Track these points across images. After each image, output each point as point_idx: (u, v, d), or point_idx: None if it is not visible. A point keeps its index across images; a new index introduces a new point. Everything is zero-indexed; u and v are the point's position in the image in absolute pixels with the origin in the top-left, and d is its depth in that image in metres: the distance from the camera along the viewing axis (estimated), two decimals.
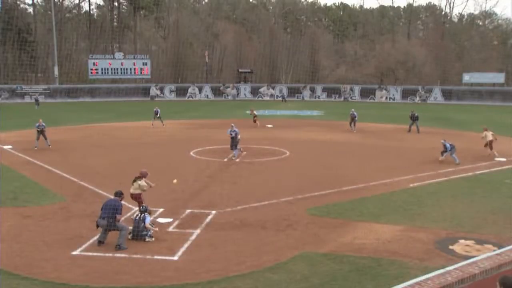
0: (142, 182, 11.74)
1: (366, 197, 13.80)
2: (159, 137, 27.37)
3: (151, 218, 11.21)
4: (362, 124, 34.68)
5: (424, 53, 76.27)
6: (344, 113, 31.45)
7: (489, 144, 21.20)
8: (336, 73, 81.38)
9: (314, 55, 77.93)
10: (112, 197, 10.54)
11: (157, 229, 10.85)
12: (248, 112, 33.43)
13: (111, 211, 10.02)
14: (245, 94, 69.91)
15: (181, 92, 67.91)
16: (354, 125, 30.83)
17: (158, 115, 32.96)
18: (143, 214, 10.59)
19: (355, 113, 31.41)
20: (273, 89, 70.07)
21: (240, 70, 76.03)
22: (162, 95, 67.80)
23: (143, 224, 10.46)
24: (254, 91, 69.22)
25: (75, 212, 12.21)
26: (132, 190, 11.73)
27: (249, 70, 75.83)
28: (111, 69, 67.40)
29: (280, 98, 63.67)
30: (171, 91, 68.59)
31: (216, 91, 68.93)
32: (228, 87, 70.56)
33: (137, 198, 11.68)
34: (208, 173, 16.97)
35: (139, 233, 10.39)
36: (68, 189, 14.69)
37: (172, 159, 20.08)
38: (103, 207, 10.21)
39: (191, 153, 21.61)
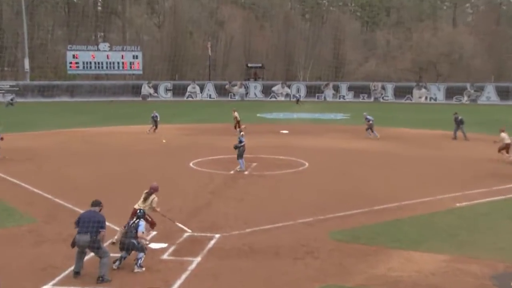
0: (156, 199, 11.92)
1: (401, 219, 13.64)
2: (153, 144, 27.47)
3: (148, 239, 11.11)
4: (396, 130, 34.57)
5: (473, 42, 74.50)
6: (375, 117, 31.57)
7: (506, 148, 21.39)
8: (364, 68, 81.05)
9: (338, 47, 77.52)
10: (91, 208, 10.33)
11: (148, 241, 10.78)
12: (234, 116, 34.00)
13: (95, 224, 9.76)
14: (255, 94, 69.73)
15: (179, 91, 68.00)
16: (372, 130, 31.02)
17: (156, 122, 33.37)
18: (137, 220, 10.45)
19: (369, 117, 31.62)
20: (289, 88, 69.69)
21: (249, 65, 76.08)
22: (156, 94, 67.55)
23: (134, 231, 10.28)
24: (266, 90, 69.30)
25: (48, 236, 11.99)
26: (140, 206, 11.60)
27: (260, 65, 75.84)
28: (95, 63, 67.30)
29: (294, 99, 63.52)
30: (167, 90, 68.56)
31: (221, 90, 69.02)
32: (235, 85, 70.35)
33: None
34: (211, 188, 16.96)
35: (127, 244, 10.18)
36: (40, 208, 14.49)
37: (167, 171, 20.06)
38: (81, 221, 9.95)
39: (191, 164, 21.69)
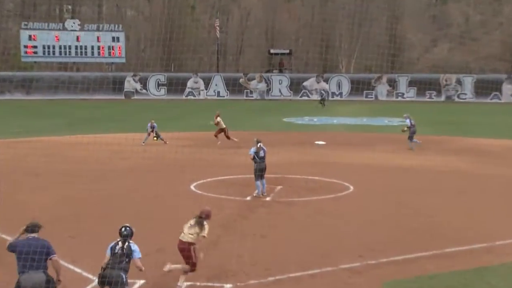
0: (207, 226, 12.55)
1: (488, 267, 13.42)
2: (141, 159, 27.62)
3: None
4: (476, 141, 34.64)
5: None
6: (446, 122, 31.20)
7: None
8: (432, 55, 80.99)
9: (394, 26, 77.26)
10: (29, 235, 10.17)
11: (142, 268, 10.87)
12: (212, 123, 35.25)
13: (43, 256, 9.65)
14: (280, 91, 70.35)
15: (176, 86, 67.51)
16: (411, 138, 32.55)
17: (155, 133, 34.50)
18: (127, 243, 10.51)
19: (411, 120, 32.87)
20: (327, 83, 70.15)
21: (272, 52, 76.59)
22: (144, 91, 68.33)
23: (126, 260, 10.33)
24: (295, 86, 69.70)
25: None
26: (186, 237, 12.13)
27: (287, 52, 76.05)
28: (60, 47, 67.37)
29: (319, 98, 63.88)
30: (159, 85, 69.32)
31: (234, 85, 68.93)
32: (253, 78, 70.87)
33: (186, 251, 12.06)
34: (220, 221, 16.88)
35: (113, 277, 10.04)
36: None
37: (160, 197, 20.22)
38: (22, 254, 9.73)
39: (192, 186, 21.94)
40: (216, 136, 33.59)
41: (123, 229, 10.64)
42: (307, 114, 51.79)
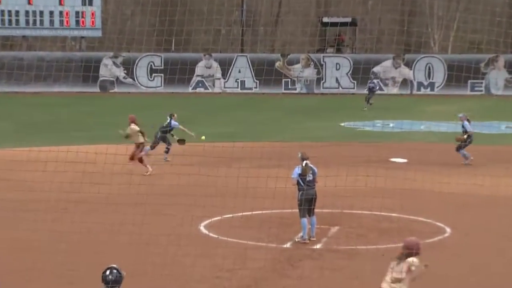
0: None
1: None
2: (125, 186, 27.66)
3: None
4: None
5: None
6: None
7: None
8: None
9: None
10: None
11: None
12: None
13: None
14: (337, 80, 72.52)
15: (179, 74, 66.23)
16: (461, 148, 35.30)
17: (166, 149, 37.31)
18: None
19: (468, 125, 35.37)
20: (410, 68, 72.47)
21: (325, 21, 77.60)
22: (130, 79, 71.13)
23: None
24: (361, 73, 68.52)
25: None
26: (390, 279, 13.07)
27: (349, 20, 77.46)
28: (1, 12, 71.08)
29: (366, 92, 65.79)
30: (152, 72, 71.80)
31: (267, 72, 69.27)
32: (297, 62, 73.12)
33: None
34: (246, 279, 17.23)
35: None
36: None
37: (154, 244, 20.23)
38: None
39: (202, 226, 22.87)
40: (131, 158, 33.76)
41: (107, 272, 10.92)
42: (379, 115, 52.98)
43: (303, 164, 21.33)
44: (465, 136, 34.31)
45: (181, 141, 37.05)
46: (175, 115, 37.47)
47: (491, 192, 27.35)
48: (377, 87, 65.95)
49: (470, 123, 34.38)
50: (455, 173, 31.53)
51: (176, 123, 37.26)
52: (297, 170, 21.34)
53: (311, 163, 21.43)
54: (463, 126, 34.40)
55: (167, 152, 37.04)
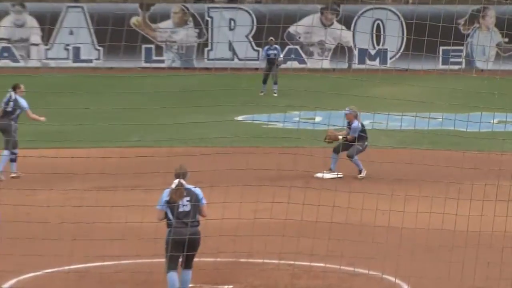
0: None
1: None
2: None
3: None
4: None
5: None
6: None
7: None
8: None
9: None
10: None
11: None
12: None
13: None
14: (231, 47, 78.06)
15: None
16: (353, 154, 40.40)
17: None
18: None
19: (356, 126, 40.54)
20: (349, 28, 76.47)
21: None
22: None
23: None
24: (268, 36, 70.09)
25: None
26: None
27: None
28: None
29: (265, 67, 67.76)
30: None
31: (113, 35, 71.61)
32: (168, 18, 79.54)
33: None
34: None
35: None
36: None
37: None
38: None
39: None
40: None
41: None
42: (295, 105, 53.12)
43: (174, 185, 22.33)
44: (341, 137, 38.99)
45: None
46: (22, 86, 38.91)
47: (472, 225, 27.97)
48: (281, 57, 68.75)
49: (360, 122, 38.61)
50: (414, 196, 31.89)
51: (24, 101, 39.19)
52: (166, 194, 22.33)
53: (190, 182, 22.69)
54: (349, 125, 38.72)
55: (13, 160, 38.15)
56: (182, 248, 22.73)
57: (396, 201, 31.69)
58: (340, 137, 40.90)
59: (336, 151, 41.44)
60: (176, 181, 22.62)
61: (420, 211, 29.27)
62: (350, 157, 40.84)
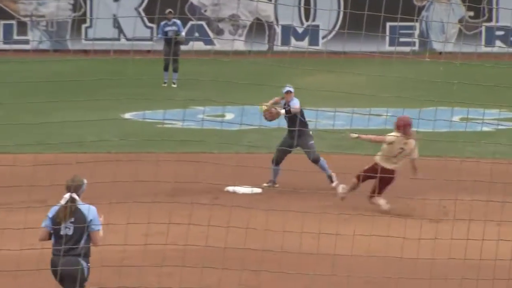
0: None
1: None
2: None
3: None
4: None
5: None
6: None
7: None
8: None
9: None
10: None
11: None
12: None
13: None
14: (116, 23, 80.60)
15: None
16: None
17: None
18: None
19: (296, 102, 42.30)
20: None
21: None
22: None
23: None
24: (161, 10, 72.78)
25: None
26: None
27: None
28: None
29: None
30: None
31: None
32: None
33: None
34: None
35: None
36: None
37: None
38: None
39: None
40: None
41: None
42: (198, 99, 55.40)
43: (64, 200, 22.70)
44: (283, 111, 41.13)
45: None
46: None
47: (423, 251, 29.13)
48: (182, 34, 72.06)
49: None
50: (351, 215, 34.84)
51: None
52: (53, 210, 22.53)
53: (83, 199, 23.12)
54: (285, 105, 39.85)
55: None
56: (62, 281, 23.44)
57: (328, 221, 33.77)
58: (282, 111, 42.44)
59: (277, 161, 42.30)
60: (67, 195, 22.98)
61: (357, 233, 31.09)
62: (316, 161, 42.34)
